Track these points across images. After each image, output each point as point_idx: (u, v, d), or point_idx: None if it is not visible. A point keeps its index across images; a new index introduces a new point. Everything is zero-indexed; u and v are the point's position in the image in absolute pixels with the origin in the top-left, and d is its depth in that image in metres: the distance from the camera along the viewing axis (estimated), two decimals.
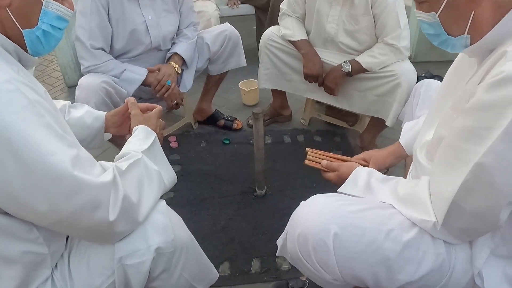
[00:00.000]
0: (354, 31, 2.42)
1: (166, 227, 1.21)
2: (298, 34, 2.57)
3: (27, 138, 0.92)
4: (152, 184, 1.25)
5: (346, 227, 1.19)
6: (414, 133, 1.59)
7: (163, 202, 1.28)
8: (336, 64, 2.47)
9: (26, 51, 1.11)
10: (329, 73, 2.49)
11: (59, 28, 1.16)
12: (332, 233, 1.18)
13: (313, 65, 2.51)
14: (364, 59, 2.39)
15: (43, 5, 1.10)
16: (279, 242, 1.45)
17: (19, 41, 1.08)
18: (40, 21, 1.10)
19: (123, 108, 1.56)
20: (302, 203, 1.34)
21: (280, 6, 2.67)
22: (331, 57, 2.54)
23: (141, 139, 1.33)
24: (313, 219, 1.23)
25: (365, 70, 2.40)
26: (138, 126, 1.39)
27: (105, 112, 1.60)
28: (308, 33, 2.62)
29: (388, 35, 2.31)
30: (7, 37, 1.05)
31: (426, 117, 1.45)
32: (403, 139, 1.65)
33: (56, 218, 1.00)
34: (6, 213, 1.01)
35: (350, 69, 2.39)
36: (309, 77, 2.55)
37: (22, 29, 1.07)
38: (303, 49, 2.55)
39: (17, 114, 0.92)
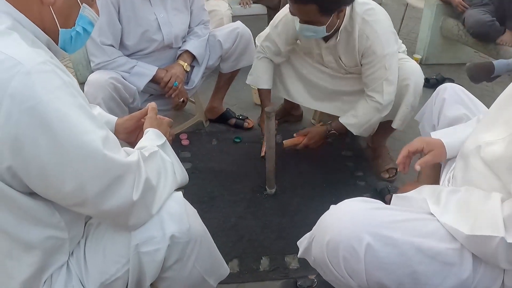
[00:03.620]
0: (345, 78, 2.48)
1: (181, 216, 1.23)
2: (260, 83, 2.62)
3: (62, 116, 0.95)
4: (167, 177, 1.27)
5: (379, 237, 1.17)
6: (457, 138, 1.52)
7: (180, 193, 1.30)
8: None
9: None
10: (313, 136, 2.48)
11: (88, 32, 1.22)
12: (365, 243, 1.16)
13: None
14: (347, 120, 2.39)
15: (80, 9, 1.16)
16: (301, 243, 1.43)
17: (52, 38, 1.12)
18: (77, 23, 1.17)
19: (142, 113, 1.57)
20: (332, 207, 1.32)
21: (256, 40, 2.63)
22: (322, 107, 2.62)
23: (153, 139, 1.36)
24: (345, 226, 1.20)
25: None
26: (150, 128, 1.41)
27: (116, 118, 1.60)
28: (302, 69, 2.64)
29: (370, 86, 2.28)
30: (43, 31, 1.08)
31: (483, 121, 1.40)
32: (446, 139, 1.54)
33: (82, 197, 1.02)
34: (31, 194, 1.03)
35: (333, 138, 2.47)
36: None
37: (60, 27, 1.12)
38: (264, 101, 2.64)
39: (52, 93, 0.94)
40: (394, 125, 2.39)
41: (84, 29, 1.19)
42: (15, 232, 1.06)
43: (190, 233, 1.24)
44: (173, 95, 2.49)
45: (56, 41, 1.13)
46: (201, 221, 1.35)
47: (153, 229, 1.19)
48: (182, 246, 1.23)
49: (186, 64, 2.53)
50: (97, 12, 1.23)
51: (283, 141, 2.48)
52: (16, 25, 1.01)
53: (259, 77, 2.59)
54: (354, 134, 2.39)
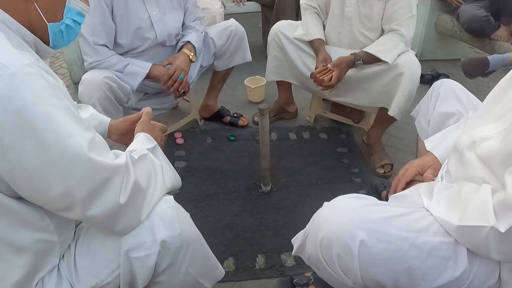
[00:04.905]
0: (368, 15, 2.44)
1: (173, 221, 1.21)
2: (311, 33, 2.57)
3: (47, 118, 0.94)
4: (157, 180, 1.25)
5: (373, 233, 1.16)
6: (447, 145, 1.52)
7: (171, 197, 1.28)
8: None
9: (45, 42, 1.13)
10: (343, 67, 2.39)
11: (79, 23, 1.20)
12: (359, 240, 1.15)
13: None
14: (374, 48, 2.37)
15: (66, 1, 1.14)
16: (295, 241, 1.42)
17: (42, 33, 1.11)
18: (64, 16, 1.15)
19: (138, 116, 1.55)
20: (325, 204, 1.31)
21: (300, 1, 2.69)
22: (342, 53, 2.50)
23: (143, 142, 1.34)
24: (339, 222, 1.20)
25: (375, 60, 2.38)
26: (140, 133, 1.39)
27: (109, 119, 1.59)
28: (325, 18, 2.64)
29: (395, 20, 2.35)
30: (31, 28, 1.07)
31: (477, 114, 1.39)
32: (437, 151, 1.56)
33: (69, 202, 1.01)
34: (19, 199, 1.03)
35: (362, 66, 2.36)
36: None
37: (48, 22, 1.10)
38: (318, 52, 2.54)
39: (38, 95, 0.93)
40: (390, 112, 2.40)
41: (74, 21, 1.17)
42: (4, 234, 1.05)
43: (182, 238, 1.22)
44: (179, 89, 2.45)
45: (46, 37, 1.12)
46: (193, 224, 1.33)
47: (144, 234, 1.17)
48: (173, 251, 1.22)
49: (192, 54, 2.50)
50: (86, 2, 1.21)
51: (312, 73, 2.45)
52: (1, 26, 1.00)
53: (310, 28, 2.58)
54: (384, 60, 2.34)
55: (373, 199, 1.30)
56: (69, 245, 1.22)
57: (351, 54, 2.39)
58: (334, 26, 2.59)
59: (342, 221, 1.19)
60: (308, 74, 2.63)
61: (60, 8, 1.14)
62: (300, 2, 2.68)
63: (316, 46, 2.55)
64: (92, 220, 1.08)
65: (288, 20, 2.73)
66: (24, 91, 0.91)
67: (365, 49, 2.40)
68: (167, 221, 1.21)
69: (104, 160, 1.03)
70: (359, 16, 2.47)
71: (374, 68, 2.42)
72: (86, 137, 1.00)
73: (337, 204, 1.27)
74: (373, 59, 2.38)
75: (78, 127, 1.00)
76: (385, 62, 2.33)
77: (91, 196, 1.02)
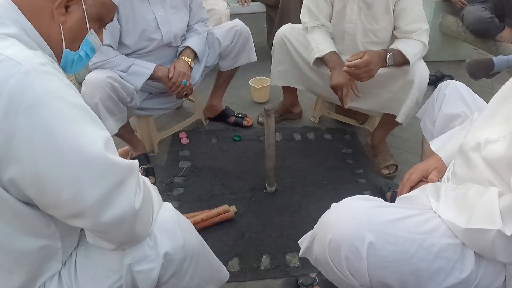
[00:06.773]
0: (374, 30, 2.41)
1: (175, 232, 1.18)
2: (323, 48, 2.41)
3: (61, 116, 0.91)
4: (152, 193, 1.21)
5: (381, 235, 1.16)
6: (452, 146, 1.52)
7: (170, 205, 1.25)
8: None
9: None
10: (371, 56, 2.21)
11: (89, 57, 1.21)
12: (367, 242, 1.15)
13: (338, 76, 2.31)
14: (404, 48, 2.27)
15: (87, 35, 1.15)
16: (302, 242, 1.42)
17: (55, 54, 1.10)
18: (81, 47, 1.15)
19: None
20: (333, 205, 1.30)
21: (300, 18, 2.57)
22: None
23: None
24: (347, 225, 1.19)
25: (403, 62, 2.28)
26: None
27: None
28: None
29: (414, 32, 2.30)
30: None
31: (482, 116, 1.38)
32: (442, 153, 1.55)
33: (80, 206, 0.96)
34: (26, 204, 0.99)
35: (392, 62, 2.26)
36: (336, 89, 2.34)
37: (65, 47, 1.10)
38: (330, 62, 2.37)
39: (52, 93, 0.91)
40: (398, 119, 2.40)
41: (86, 54, 1.18)
42: (6, 242, 1.02)
43: (186, 249, 1.19)
44: (181, 92, 2.48)
45: (58, 59, 1.11)
46: (196, 233, 1.30)
47: (146, 248, 1.14)
48: (177, 262, 1.19)
49: (190, 60, 2.52)
50: (102, 40, 1.21)
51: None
52: (21, 34, 0.99)
53: (320, 44, 2.42)
54: (409, 60, 2.23)
55: (380, 201, 1.29)
56: (71, 253, 1.19)
57: (382, 50, 2.28)
58: (335, 41, 2.54)
59: (350, 223, 1.19)
60: (314, 77, 2.64)
61: (80, 38, 1.14)
62: (302, 21, 2.56)
63: (326, 59, 2.38)
64: (106, 228, 1.02)
65: (293, 24, 2.72)
66: (38, 88, 0.89)
67: (394, 46, 2.31)
68: (169, 233, 1.18)
69: (120, 159, 1.00)
70: (363, 31, 2.43)
71: (385, 74, 2.39)
72: (102, 136, 0.97)
73: (345, 206, 1.27)
74: (400, 59, 2.26)
75: (94, 126, 0.97)
76: (397, 68, 2.30)
77: (105, 199, 0.97)
